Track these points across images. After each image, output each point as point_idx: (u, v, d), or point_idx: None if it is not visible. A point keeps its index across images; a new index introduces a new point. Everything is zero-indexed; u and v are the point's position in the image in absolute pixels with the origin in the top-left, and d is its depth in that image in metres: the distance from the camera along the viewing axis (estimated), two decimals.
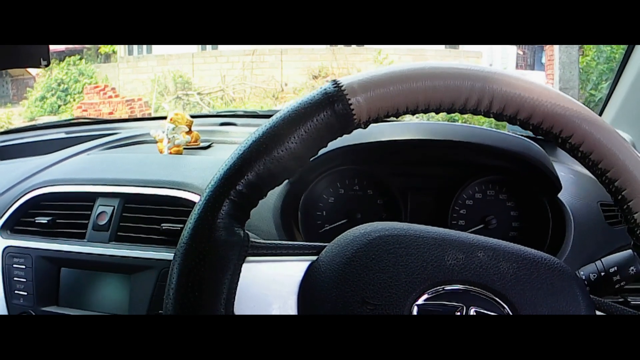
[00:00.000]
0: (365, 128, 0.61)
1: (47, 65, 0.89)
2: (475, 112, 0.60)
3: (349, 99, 0.58)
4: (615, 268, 0.77)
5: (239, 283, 0.59)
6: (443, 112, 0.61)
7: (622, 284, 0.76)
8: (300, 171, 0.62)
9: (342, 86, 0.59)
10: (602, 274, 0.78)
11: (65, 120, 2.15)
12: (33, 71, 12.83)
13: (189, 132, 1.58)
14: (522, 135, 1.19)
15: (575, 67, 5.74)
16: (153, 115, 10.46)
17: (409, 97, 0.59)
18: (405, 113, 0.61)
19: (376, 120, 0.61)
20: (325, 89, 0.59)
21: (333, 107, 0.58)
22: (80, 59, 12.69)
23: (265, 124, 0.60)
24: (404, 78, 0.59)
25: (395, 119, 0.64)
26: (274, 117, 0.60)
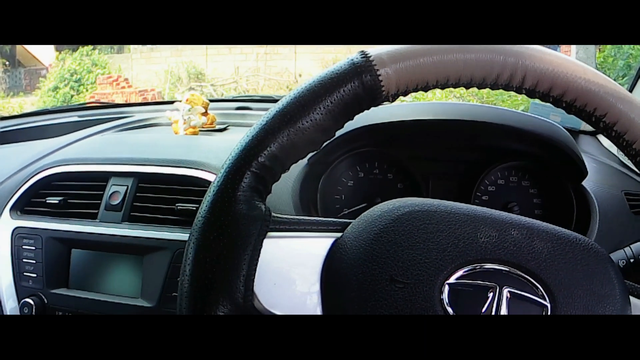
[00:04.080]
0: (392, 101, 0.60)
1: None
2: (507, 87, 0.59)
3: (378, 70, 0.56)
4: None
5: (260, 259, 0.56)
6: (474, 87, 0.59)
7: None
8: (323, 146, 0.60)
9: (370, 57, 0.57)
10: (632, 260, 0.76)
11: (78, 105, 2.14)
12: (46, 61, 12.90)
13: (205, 113, 1.56)
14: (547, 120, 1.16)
15: (592, 62, 5.67)
16: None
17: (440, 70, 0.57)
18: (435, 87, 0.59)
19: (405, 93, 0.59)
20: (352, 60, 0.57)
21: (361, 78, 0.56)
22: (93, 49, 12.73)
23: (289, 93, 0.58)
24: (434, 50, 0.56)
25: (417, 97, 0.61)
26: (299, 87, 0.58)
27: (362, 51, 0.58)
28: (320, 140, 0.58)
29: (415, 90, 0.59)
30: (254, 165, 0.56)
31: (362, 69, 0.56)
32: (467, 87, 0.59)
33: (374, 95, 0.57)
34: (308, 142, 0.57)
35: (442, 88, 0.59)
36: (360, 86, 0.56)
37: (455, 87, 0.59)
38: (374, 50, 0.58)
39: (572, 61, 0.58)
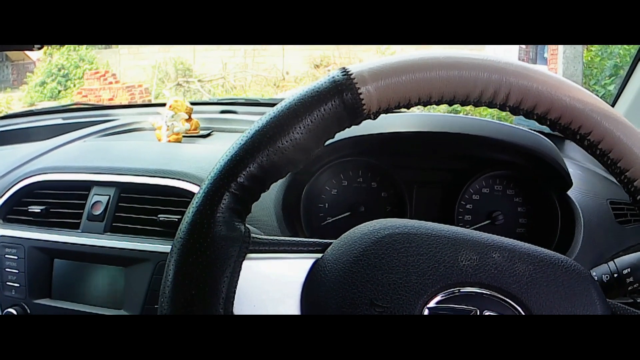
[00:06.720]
0: (374, 119, 0.58)
1: (40, 49, 0.87)
2: (490, 104, 0.58)
3: (359, 88, 0.55)
4: (629, 269, 0.75)
5: (239, 282, 0.55)
6: (456, 104, 0.58)
7: (635, 285, 0.74)
8: (304, 163, 0.59)
9: (351, 74, 0.55)
10: (615, 275, 0.76)
11: (63, 106, 2.12)
12: (34, 56, 12.82)
13: (189, 119, 1.55)
14: (531, 129, 1.16)
15: (580, 61, 5.68)
16: (153, 101, 10.45)
17: (422, 88, 0.56)
18: (417, 104, 0.58)
19: (386, 111, 0.58)
20: (333, 77, 0.56)
21: (342, 97, 0.55)
22: None
23: (269, 112, 0.56)
24: (417, 67, 0.55)
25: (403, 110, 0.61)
26: (278, 106, 0.57)
27: (344, 68, 0.56)
28: (299, 160, 0.57)
29: (397, 107, 0.58)
30: (233, 186, 0.55)
31: (343, 87, 0.55)
32: (450, 104, 0.58)
33: (355, 113, 0.56)
34: (288, 162, 0.56)
35: (425, 105, 0.59)
36: (341, 105, 0.55)
37: (438, 104, 0.58)
38: (355, 67, 0.56)
39: (557, 78, 0.57)
